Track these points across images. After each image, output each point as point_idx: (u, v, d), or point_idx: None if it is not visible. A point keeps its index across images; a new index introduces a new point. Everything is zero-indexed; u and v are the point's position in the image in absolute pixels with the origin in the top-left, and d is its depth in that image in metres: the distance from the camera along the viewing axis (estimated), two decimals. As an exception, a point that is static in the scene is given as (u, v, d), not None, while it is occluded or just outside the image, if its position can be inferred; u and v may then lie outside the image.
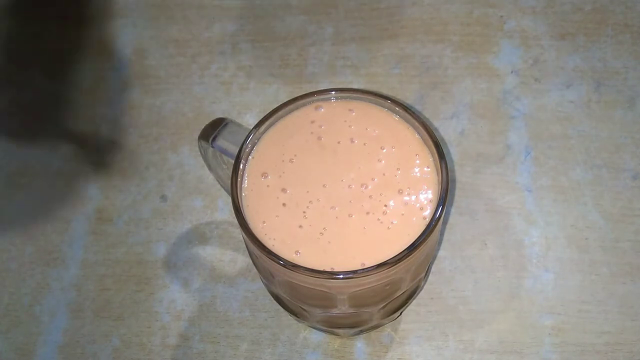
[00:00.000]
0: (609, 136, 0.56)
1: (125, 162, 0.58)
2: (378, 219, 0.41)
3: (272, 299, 0.50)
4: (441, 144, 0.43)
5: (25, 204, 0.57)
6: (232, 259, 0.54)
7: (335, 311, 0.44)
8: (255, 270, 0.50)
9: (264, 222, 0.42)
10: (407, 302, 0.49)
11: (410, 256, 0.39)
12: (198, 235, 0.55)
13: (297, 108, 0.45)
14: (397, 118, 0.45)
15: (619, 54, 0.60)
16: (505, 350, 0.50)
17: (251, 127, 0.44)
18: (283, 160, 0.44)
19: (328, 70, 0.61)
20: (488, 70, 0.60)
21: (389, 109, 0.45)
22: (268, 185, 0.43)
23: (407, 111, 0.44)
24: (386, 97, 0.44)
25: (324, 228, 0.41)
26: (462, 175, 0.56)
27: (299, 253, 0.41)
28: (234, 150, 0.44)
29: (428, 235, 0.40)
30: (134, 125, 0.60)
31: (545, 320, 0.50)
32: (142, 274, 0.54)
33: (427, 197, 0.42)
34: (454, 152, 0.57)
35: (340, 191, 0.42)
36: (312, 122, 0.45)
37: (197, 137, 0.46)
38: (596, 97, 0.58)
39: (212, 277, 0.54)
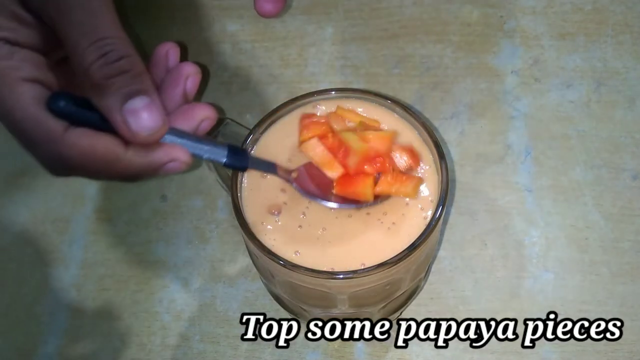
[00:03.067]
0: (609, 136, 0.56)
1: (125, 162, 0.58)
2: (378, 219, 0.41)
3: (272, 299, 0.50)
4: (441, 144, 0.43)
5: (25, 204, 0.57)
6: (232, 259, 0.54)
7: (335, 311, 0.44)
8: (255, 270, 0.50)
9: (262, 222, 0.42)
10: (407, 302, 0.49)
11: (410, 256, 0.39)
12: (198, 235, 0.55)
13: (297, 108, 0.45)
14: (397, 118, 0.45)
15: (619, 54, 0.59)
16: (505, 350, 0.50)
17: (251, 127, 0.44)
18: (282, 160, 0.44)
19: (328, 70, 0.61)
20: (488, 70, 0.60)
21: (389, 108, 0.45)
22: (268, 185, 0.43)
23: (407, 111, 0.44)
24: (386, 97, 0.44)
25: (323, 228, 0.41)
26: (462, 175, 0.56)
27: (299, 253, 0.41)
28: (234, 150, 0.44)
29: (428, 235, 0.40)
30: (134, 125, 0.60)
31: (545, 320, 0.51)
32: (142, 274, 0.54)
33: (427, 197, 0.42)
34: (454, 152, 0.57)
35: (340, 191, 0.42)
36: None
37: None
38: (596, 97, 0.58)
39: (212, 277, 0.54)
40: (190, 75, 0.37)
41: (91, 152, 0.34)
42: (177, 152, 0.35)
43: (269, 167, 0.41)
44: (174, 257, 0.55)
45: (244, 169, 0.40)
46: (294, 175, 0.41)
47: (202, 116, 0.36)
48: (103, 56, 0.33)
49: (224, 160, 0.37)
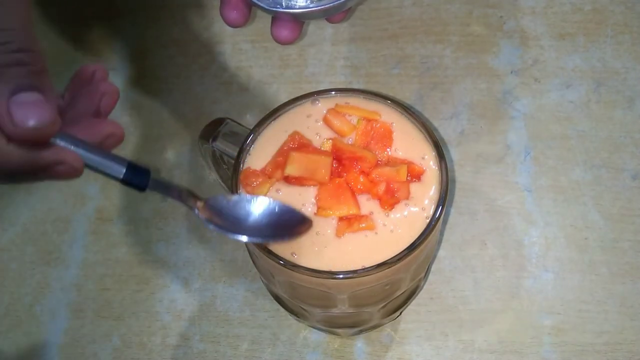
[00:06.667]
0: (609, 136, 0.57)
1: (126, 162, 0.58)
2: (378, 219, 0.41)
3: (272, 299, 0.50)
4: (441, 144, 0.43)
5: (25, 204, 0.57)
6: (232, 259, 0.54)
7: (335, 311, 0.44)
8: (255, 270, 0.50)
9: None
10: (407, 302, 0.49)
11: (410, 256, 0.39)
12: (198, 235, 0.55)
13: (297, 107, 0.45)
14: (397, 118, 0.45)
15: (619, 54, 0.60)
16: (505, 350, 0.50)
17: (251, 127, 0.44)
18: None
19: (328, 70, 0.61)
20: (488, 70, 0.60)
21: (389, 108, 0.45)
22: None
23: (407, 111, 0.44)
24: (386, 97, 0.44)
25: (317, 231, 0.41)
26: (462, 175, 0.56)
27: (295, 255, 0.40)
28: (234, 150, 0.44)
29: (428, 235, 0.40)
30: (134, 125, 0.60)
31: (544, 320, 0.51)
32: (142, 273, 0.54)
33: (427, 197, 0.42)
34: (454, 152, 0.57)
35: (339, 191, 0.42)
36: (309, 116, 0.44)
37: (197, 137, 0.46)
38: (596, 97, 0.58)
39: (212, 277, 0.54)
40: (107, 94, 0.36)
41: None
42: (67, 155, 0.33)
43: (171, 191, 0.37)
44: (174, 257, 0.55)
45: (142, 189, 0.36)
46: (199, 204, 0.37)
47: (107, 132, 0.35)
48: (1, 45, 0.31)
49: (121, 176, 0.35)
